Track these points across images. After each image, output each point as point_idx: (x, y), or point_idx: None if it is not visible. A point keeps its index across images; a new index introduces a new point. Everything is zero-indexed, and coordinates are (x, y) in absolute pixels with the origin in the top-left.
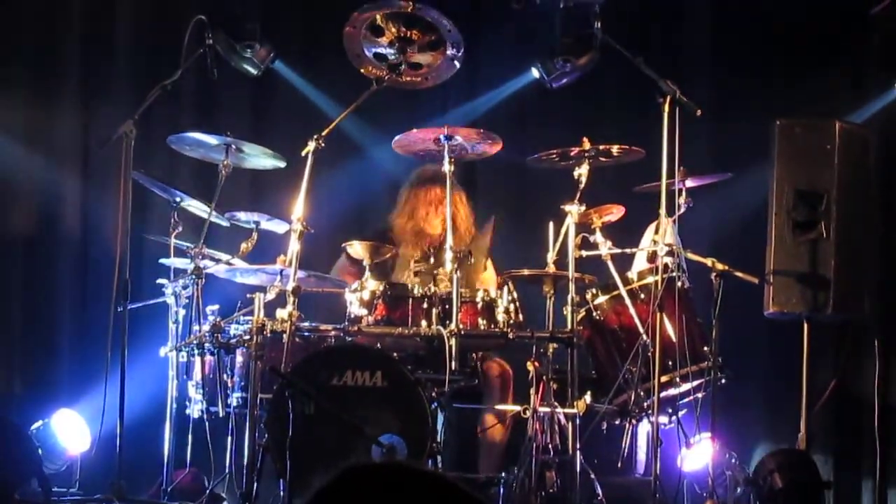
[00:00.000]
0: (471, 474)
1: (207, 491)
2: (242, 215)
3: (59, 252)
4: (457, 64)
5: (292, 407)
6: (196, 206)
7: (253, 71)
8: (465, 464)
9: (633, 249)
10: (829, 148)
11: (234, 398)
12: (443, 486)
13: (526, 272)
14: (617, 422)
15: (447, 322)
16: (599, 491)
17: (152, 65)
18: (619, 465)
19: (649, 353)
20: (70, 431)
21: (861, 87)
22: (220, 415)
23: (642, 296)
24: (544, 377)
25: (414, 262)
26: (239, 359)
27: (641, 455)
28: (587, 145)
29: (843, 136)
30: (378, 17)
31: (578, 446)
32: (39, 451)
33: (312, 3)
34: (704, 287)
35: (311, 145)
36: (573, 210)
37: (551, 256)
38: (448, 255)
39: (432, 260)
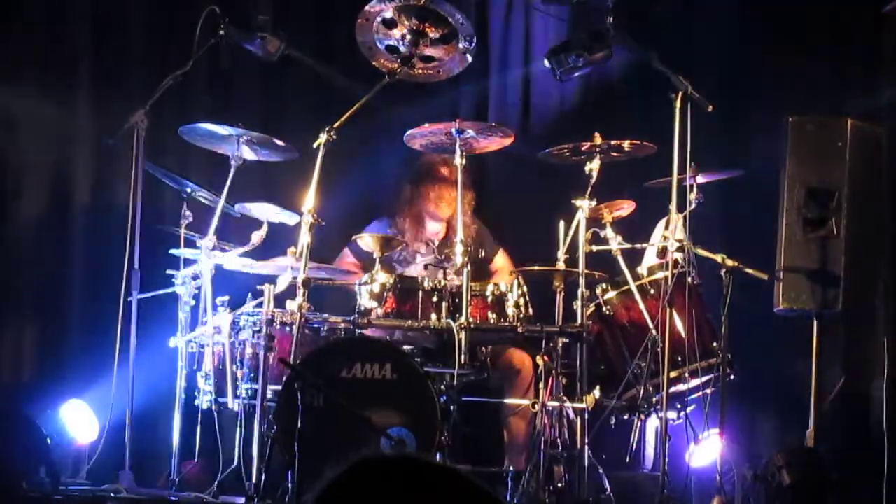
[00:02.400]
0: (479, 468)
1: (216, 482)
2: (253, 206)
3: (70, 241)
4: (469, 57)
5: (301, 399)
6: (206, 197)
7: (266, 60)
8: (474, 457)
9: (644, 245)
10: (841, 145)
11: (244, 389)
12: (454, 479)
13: (536, 267)
14: (625, 417)
15: (457, 315)
16: (607, 486)
17: (164, 55)
18: (628, 460)
19: (658, 349)
20: (79, 421)
21: (873, 84)
22: (229, 406)
23: (652, 291)
24: (553, 372)
25: (420, 256)
26: (248, 350)
27: (650, 450)
28: (599, 140)
29: (854, 133)
30: (391, 9)
31: (587, 441)
32: (48, 440)
33: None
34: (714, 283)
35: (323, 137)
36: (584, 205)
37: (562, 251)
38: (458, 249)
39: (434, 251)
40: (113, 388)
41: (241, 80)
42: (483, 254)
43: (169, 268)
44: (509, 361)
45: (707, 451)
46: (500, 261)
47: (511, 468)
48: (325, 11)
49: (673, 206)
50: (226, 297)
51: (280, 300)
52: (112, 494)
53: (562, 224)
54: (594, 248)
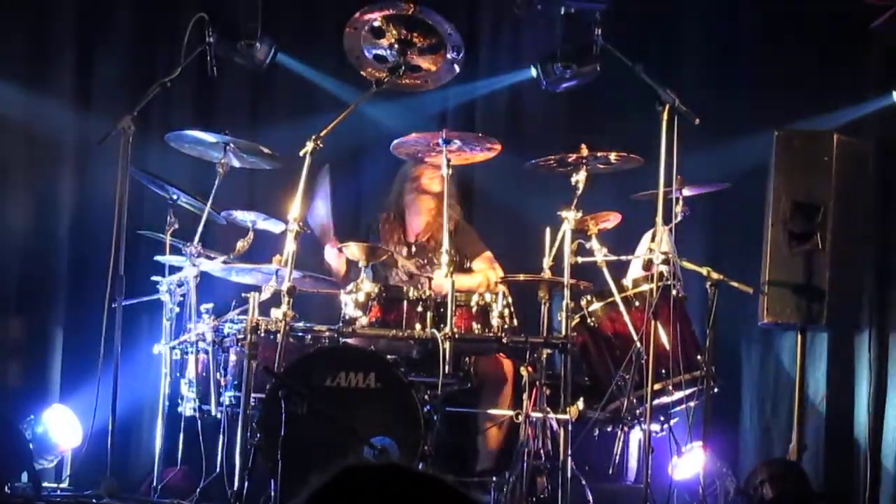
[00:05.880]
0: (462, 477)
1: (198, 489)
2: (239, 214)
3: (55, 247)
4: (457, 67)
5: (285, 407)
6: (192, 204)
7: (254, 68)
8: (457, 467)
9: (629, 257)
10: (827, 160)
11: (227, 397)
12: (438, 487)
13: (521, 277)
14: (609, 428)
15: (442, 325)
16: (590, 497)
17: (152, 62)
18: (611, 471)
19: (643, 361)
20: (62, 427)
21: (860, 99)
22: (213, 413)
23: (637, 303)
24: (537, 382)
25: (402, 259)
26: (232, 358)
27: (633, 462)
28: (585, 152)
29: (840, 147)
30: (379, 18)
31: (570, 452)
32: (31, 445)
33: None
34: (699, 296)
35: (310, 146)
36: (570, 216)
37: (547, 262)
38: (444, 259)
39: (414, 251)
40: (97, 394)
41: (228, 88)
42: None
43: (154, 274)
44: (488, 369)
45: (690, 463)
46: (479, 265)
47: (494, 478)
48: (313, 20)
49: (659, 219)
50: (210, 305)
51: (265, 308)
52: (94, 501)
53: (548, 235)
54: (579, 259)
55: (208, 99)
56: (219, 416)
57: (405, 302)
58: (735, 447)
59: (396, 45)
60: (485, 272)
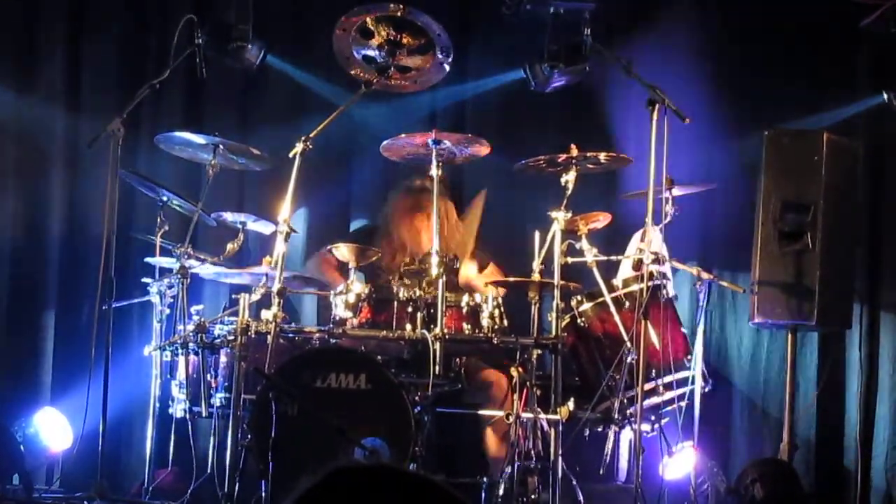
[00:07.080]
0: (452, 478)
1: (189, 491)
2: (229, 216)
3: (45, 249)
4: (446, 68)
5: (275, 408)
6: (182, 206)
7: (244, 68)
8: (448, 467)
9: (619, 257)
10: (817, 159)
11: (218, 398)
12: (429, 488)
13: (512, 278)
14: (599, 429)
15: (432, 326)
16: (581, 497)
17: (141, 64)
18: (601, 472)
19: (633, 361)
20: (53, 429)
21: (850, 98)
22: (203, 415)
23: (627, 303)
24: (528, 383)
25: (403, 266)
26: (223, 359)
27: (623, 462)
28: (575, 152)
29: (830, 146)
30: (368, 20)
31: (561, 452)
32: (22, 448)
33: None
34: (690, 296)
35: (299, 147)
36: (560, 216)
37: (537, 263)
38: (434, 260)
39: (417, 262)
40: (87, 396)
41: (217, 89)
42: (458, 264)
43: (144, 276)
44: (483, 378)
45: (680, 463)
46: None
47: (485, 479)
48: (303, 20)
49: (649, 219)
50: (200, 306)
51: (255, 309)
52: (85, 502)
53: (537, 235)
54: (570, 259)
55: (198, 100)
56: (210, 417)
57: (395, 303)
58: (725, 447)
59: (385, 46)
60: (491, 274)
